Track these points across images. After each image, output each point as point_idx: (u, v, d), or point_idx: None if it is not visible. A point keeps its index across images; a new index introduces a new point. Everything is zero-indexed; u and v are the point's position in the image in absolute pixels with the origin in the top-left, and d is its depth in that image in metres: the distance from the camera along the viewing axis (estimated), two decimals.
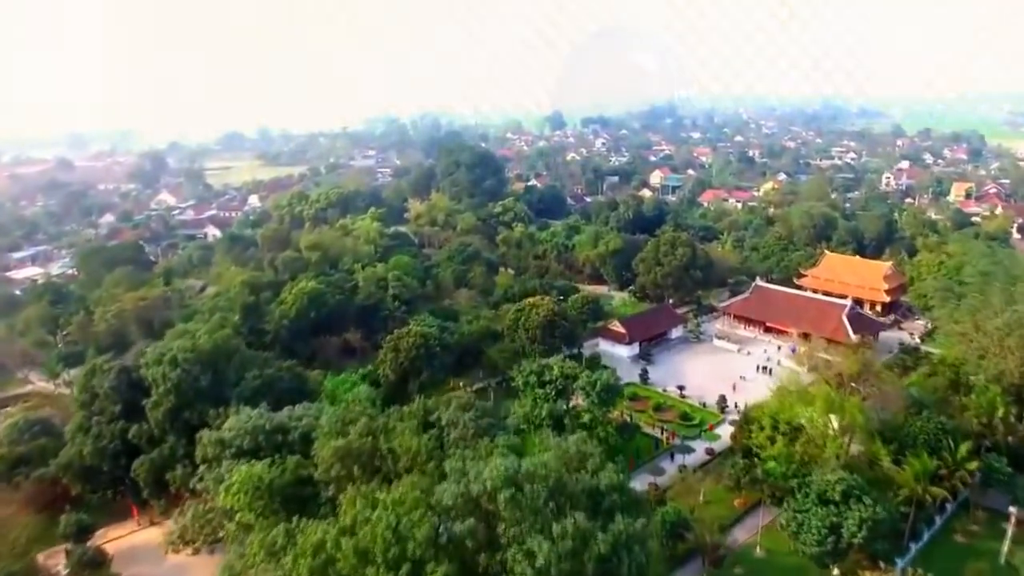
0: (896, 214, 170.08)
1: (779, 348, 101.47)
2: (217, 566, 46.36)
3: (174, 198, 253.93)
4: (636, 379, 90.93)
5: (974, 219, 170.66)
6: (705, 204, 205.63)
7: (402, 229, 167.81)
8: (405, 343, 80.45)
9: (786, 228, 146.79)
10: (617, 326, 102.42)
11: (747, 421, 66.80)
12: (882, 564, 53.62)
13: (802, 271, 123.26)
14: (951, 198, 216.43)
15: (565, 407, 68.52)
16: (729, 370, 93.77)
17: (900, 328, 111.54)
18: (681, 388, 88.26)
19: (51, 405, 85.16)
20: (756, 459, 62.19)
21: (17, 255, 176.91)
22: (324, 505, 46.30)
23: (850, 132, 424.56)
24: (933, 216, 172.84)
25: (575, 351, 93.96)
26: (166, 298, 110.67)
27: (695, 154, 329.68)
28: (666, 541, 53.76)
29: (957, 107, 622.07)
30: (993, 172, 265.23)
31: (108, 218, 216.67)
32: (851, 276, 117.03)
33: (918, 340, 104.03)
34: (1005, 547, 55.59)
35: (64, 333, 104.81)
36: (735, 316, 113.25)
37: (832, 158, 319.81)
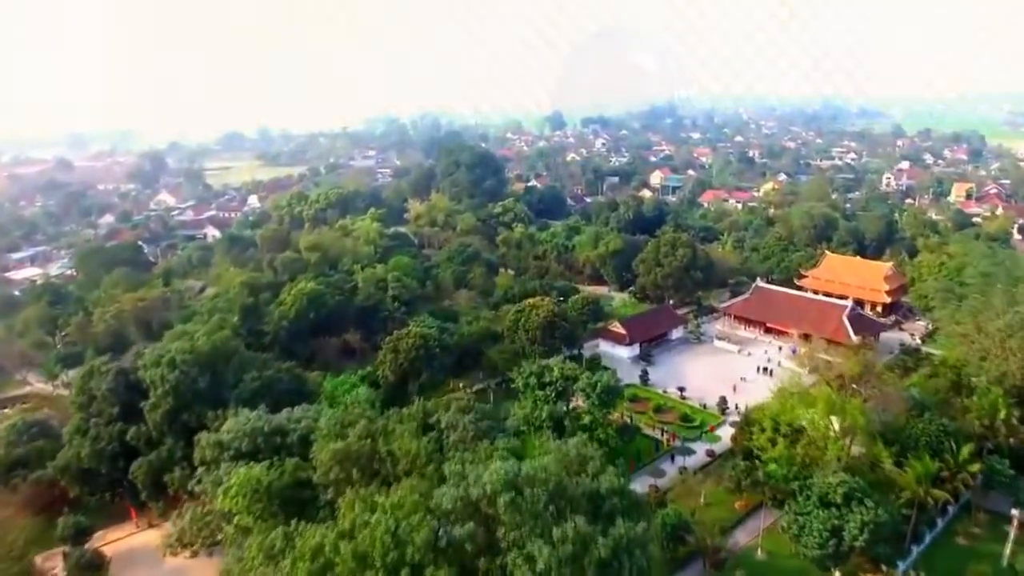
0: (896, 215, 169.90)
1: (780, 349, 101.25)
2: (216, 569, 46.16)
3: (173, 198, 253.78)
4: (636, 380, 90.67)
5: (975, 220, 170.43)
6: (705, 205, 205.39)
7: (402, 230, 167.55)
8: (405, 344, 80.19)
9: (786, 229, 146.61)
10: (617, 327, 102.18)
11: (748, 423, 66.53)
12: (883, 567, 53.38)
13: (802, 272, 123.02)
14: (952, 198, 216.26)
15: (565, 409, 68.35)
16: (729, 371, 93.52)
17: (901, 329, 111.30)
18: (681, 389, 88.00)
19: (50, 406, 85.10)
20: (757, 461, 61.85)
21: (16, 255, 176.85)
22: (323, 508, 46.12)
23: (850, 132, 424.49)
24: (934, 217, 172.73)
25: (575, 352, 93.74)
26: (165, 299, 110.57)
27: (695, 154, 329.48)
28: (667, 544, 53.60)
29: (957, 107, 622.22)
30: (993, 172, 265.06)
31: (107, 218, 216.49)
32: (852, 277, 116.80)
33: (919, 341, 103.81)
34: (1007, 550, 55.37)
35: (63, 334, 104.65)
36: (735, 317, 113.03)
37: (832, 158, 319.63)
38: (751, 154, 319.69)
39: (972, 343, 73.84)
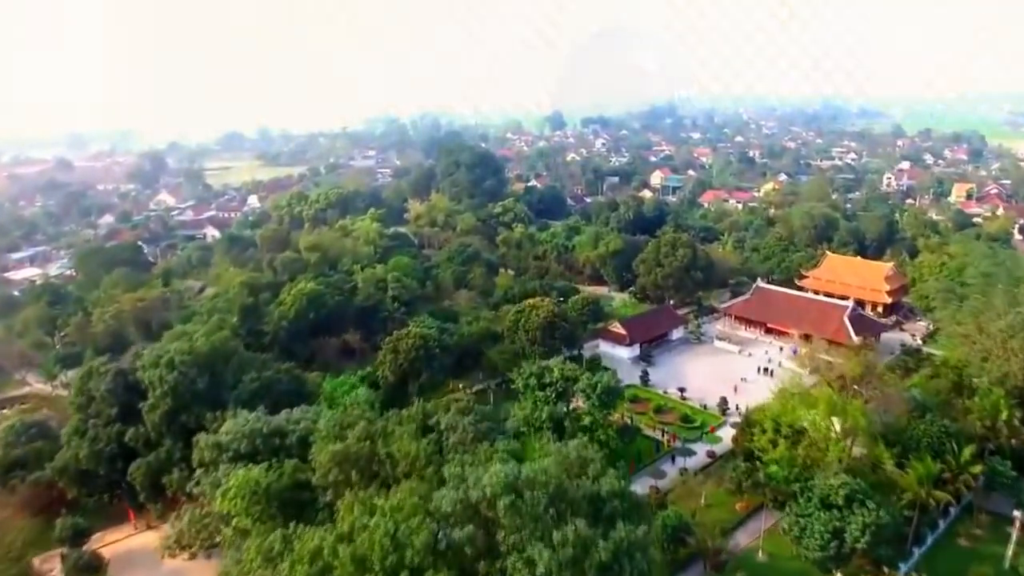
0: (897, 215, 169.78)
1: (780, 349, 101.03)
2: (214, 571, 45.93)
3: (173, 198, 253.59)
4: (637, 381, 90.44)
5: (975, 220, 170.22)
6: (705, 205, 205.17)
7: (402, 230, 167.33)
8: (404, 344, 79.97)
9: (787, 229, 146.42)
10: (617, 327, 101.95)
11: (748, 424, 66.28)
12: (885, 569, 53.15)
13: (803, 272, 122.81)
14: (952, 199, 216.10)
15: (565, 410, 68.13)
16: (730, 372, 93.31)
17: (902, 329, 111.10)
18: (682, 390, 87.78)
19: (48, 407, 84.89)
20: (758, 462, 61.58)
21: (16, 256, 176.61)
22: (322, 510, 45.86)
23: (850, 132, 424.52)
24: (934, 217, 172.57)
25: (575, 352, 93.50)
26: (164, 299, 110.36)
27: (695, 154, 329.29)
28: (667, 545, 53.33)
29: (957, 107, 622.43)
30: (994, 173, 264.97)
31: (107, 218, 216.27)
32: (852, 277, 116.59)
33: (920, 341, 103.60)
34: (1009, 551, 55.18)
35: (62, 334, 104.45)
36: (736, 317, 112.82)
37: (832, 158, 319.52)
38: (751, 154, 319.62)
39: (973, 344, 73.62)
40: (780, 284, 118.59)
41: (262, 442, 52.19)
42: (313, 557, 35.69)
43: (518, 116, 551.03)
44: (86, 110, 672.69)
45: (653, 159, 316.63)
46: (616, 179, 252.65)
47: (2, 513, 57.61)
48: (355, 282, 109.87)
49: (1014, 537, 55.20)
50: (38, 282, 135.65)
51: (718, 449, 73.92)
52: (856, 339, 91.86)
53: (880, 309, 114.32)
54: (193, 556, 52.36)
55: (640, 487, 62.39)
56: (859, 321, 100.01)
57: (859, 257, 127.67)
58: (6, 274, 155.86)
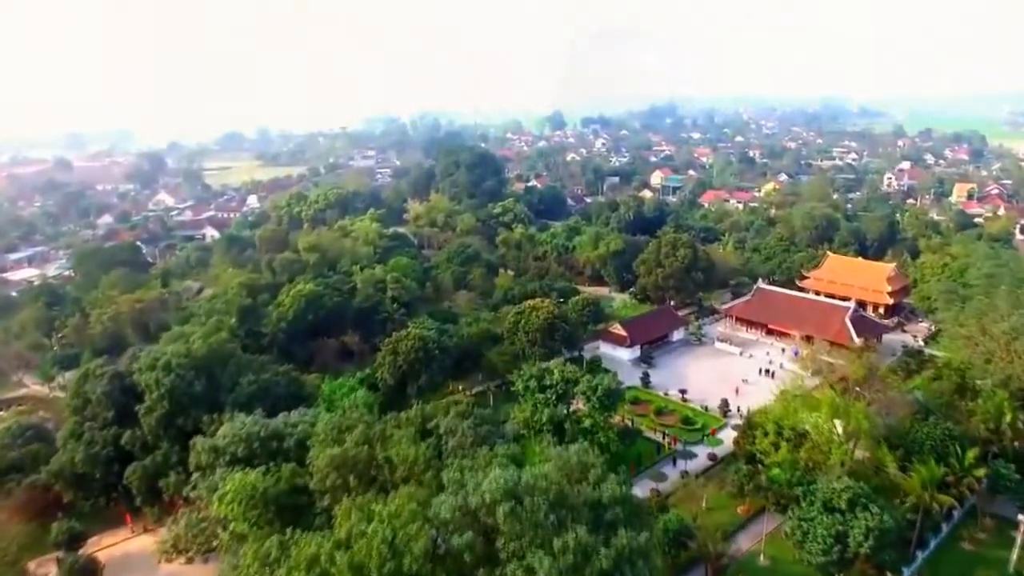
0: (898, 215, 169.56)
1: (782, 351, 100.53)
2: None
3: (172, 199, 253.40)
4: (637, 382, 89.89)
5: (976, 220, 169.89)
6: (706, 205, 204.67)
7: (401, 230, 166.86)
8: (404, 346, 79.51)
9: (788, 229, 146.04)
10: (618, 328, 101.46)
11: (750, 426, 65.76)
12: (888, 573, 52.64)
13: (804, 273, 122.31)
14: (953, 199, 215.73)
15: (566, 412, 67.75)
16: (731, 373, 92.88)
17: (903, 330, 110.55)
18: (683, 392, 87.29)
19: (45, 409, 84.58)
20: (760, 465, 61.12)
21: (14, 256, 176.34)
22: (319, 515, 45.32)
23: (851, 132, 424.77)
24: (935, 217, 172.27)
25: (575, 354, 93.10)
26: (163, 300, 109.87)
27: (695, 154, 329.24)
28: (668, 549, 52.83)
29: (957, 107, 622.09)
30: (995, 173, 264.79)
31: (106, 219, 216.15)
32: (854, 278, 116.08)
33: (922, 343, 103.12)
34: (1014, 555, 54.63)
35: (60, 336, 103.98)
36: (737, 318, 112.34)
37: (833, 159, 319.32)
38: (752, 154, 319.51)
39: (976, 345, 73.23)
40: (781, 285, 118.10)
41: (259, 445, 51.68)
42: (310, 564, 35.18)
43: (518, 116, 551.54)
44: (85, 110, 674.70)
45: (653, 159, 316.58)
46: (616, 179, 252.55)
47: None
48: (354, 283, 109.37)
49: (1018, 541, 54.63)
50: (36, 283, 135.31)
51: (719, 452, 73.36)
52: (858, 340, 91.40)
53: (882, 310, 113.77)
54: (190, 560, 51.85)
55: (641, 490, 61.91)
56: (861, 322, 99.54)
57: (860, 258, 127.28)
58: (4, 275, 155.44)
